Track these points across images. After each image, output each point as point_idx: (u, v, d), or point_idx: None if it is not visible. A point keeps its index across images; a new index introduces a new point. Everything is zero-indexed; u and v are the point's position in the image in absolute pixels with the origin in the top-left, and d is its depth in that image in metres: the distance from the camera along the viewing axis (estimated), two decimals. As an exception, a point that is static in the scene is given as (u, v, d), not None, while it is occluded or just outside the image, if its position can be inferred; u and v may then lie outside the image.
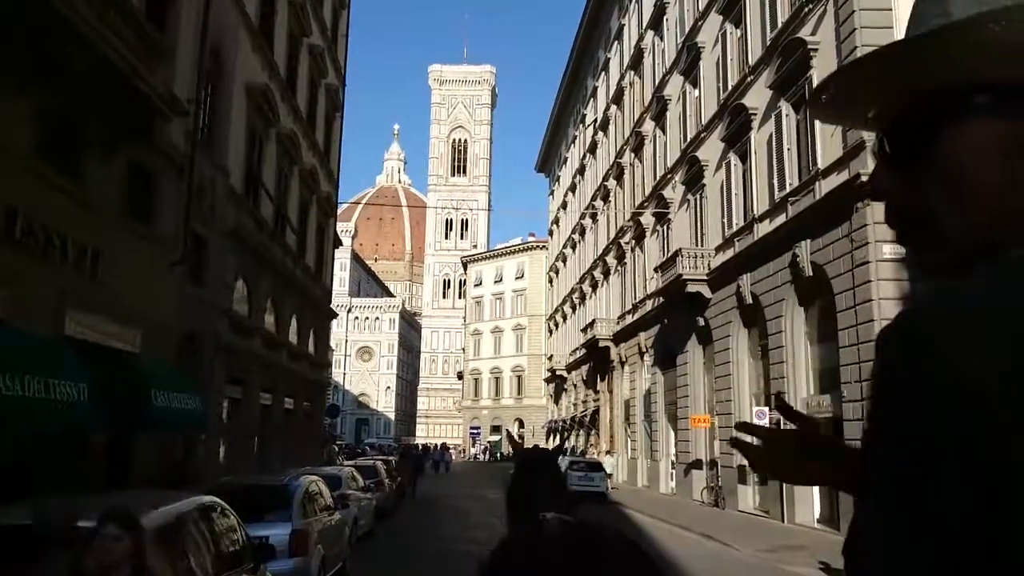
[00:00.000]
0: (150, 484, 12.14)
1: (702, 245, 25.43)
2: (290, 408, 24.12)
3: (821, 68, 17.93)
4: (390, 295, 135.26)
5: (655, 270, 28.68)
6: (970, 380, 0.68)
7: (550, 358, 58.97)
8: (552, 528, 1.57)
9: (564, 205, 56.59)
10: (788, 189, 19.22)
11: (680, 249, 25.06)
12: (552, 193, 64.14)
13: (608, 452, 38.99)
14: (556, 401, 59.12)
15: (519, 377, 76.50)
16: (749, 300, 21.63)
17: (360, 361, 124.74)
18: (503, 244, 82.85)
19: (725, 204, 23.62)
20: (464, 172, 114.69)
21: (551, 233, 64.43)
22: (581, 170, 49.68)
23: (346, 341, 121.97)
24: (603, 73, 43.91)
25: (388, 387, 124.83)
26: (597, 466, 28.25)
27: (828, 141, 17.45)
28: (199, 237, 15.71)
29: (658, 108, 31.34)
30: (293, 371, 23.75)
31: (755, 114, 21.55)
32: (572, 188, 53.07)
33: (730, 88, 23.53)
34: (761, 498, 21.55)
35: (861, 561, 0.77)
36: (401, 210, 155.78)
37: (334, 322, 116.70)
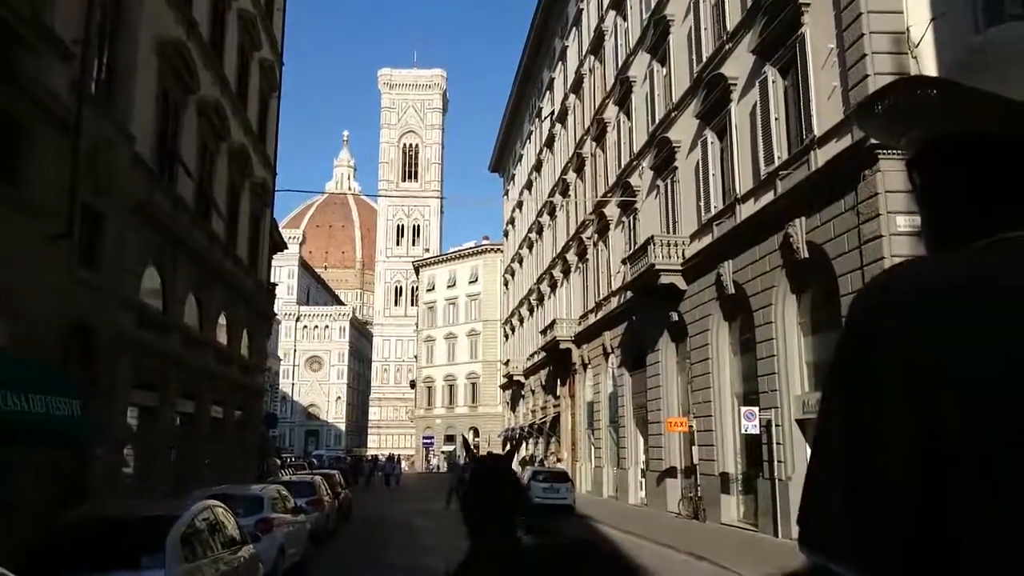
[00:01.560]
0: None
1: (675, 233, 23.37)
2: (218, 417, 21.36)
3: (815, 27, 15.99)
4: (340, 303, 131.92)
5: (623, 262, 26.56)
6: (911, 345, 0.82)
7: (506, 363, 56.63)
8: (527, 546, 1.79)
9: (520, 204, 54.42)
10: (777, 163, 17.23)
11: (652, 237, 22.94)
12: (507, 193, 61.94)
13: (558, 460, 36.80)
14: (513, 408, 56.77)
15: (474, 384, 73.97)
16: (731, 290, 19.59)
17: (309, 371, 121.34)
18: (456, 248, 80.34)
19: (701, 187, 21.60)
20: (416, 177, 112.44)
21: (506, 235, 62.21)
22: (538, 166, 47.58)
23: (295, 350, 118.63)
24: (560, 63, 41.89)
25: (339, 397, 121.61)
26: (562, 476, 25.93)
27: (824, 105, 15.49)
28: (93, 211, 13.04)
29: (622, 91, 29.32)
30: (222, 375, 21.01)
31: (735, 84, 19.59)
32: (528, 186, 50.92)
33: (705, 59, 21.55)
34: (746, 509, 19.48)
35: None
36: (352, 217, 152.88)
37: (283, 331, 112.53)
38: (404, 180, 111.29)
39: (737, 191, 19.22)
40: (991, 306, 0.82)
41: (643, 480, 27.21)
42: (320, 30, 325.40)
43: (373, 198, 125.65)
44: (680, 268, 22.45)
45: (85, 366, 12.89)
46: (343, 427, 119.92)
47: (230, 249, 21.77)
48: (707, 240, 21.16)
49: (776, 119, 17.50)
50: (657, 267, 22.50)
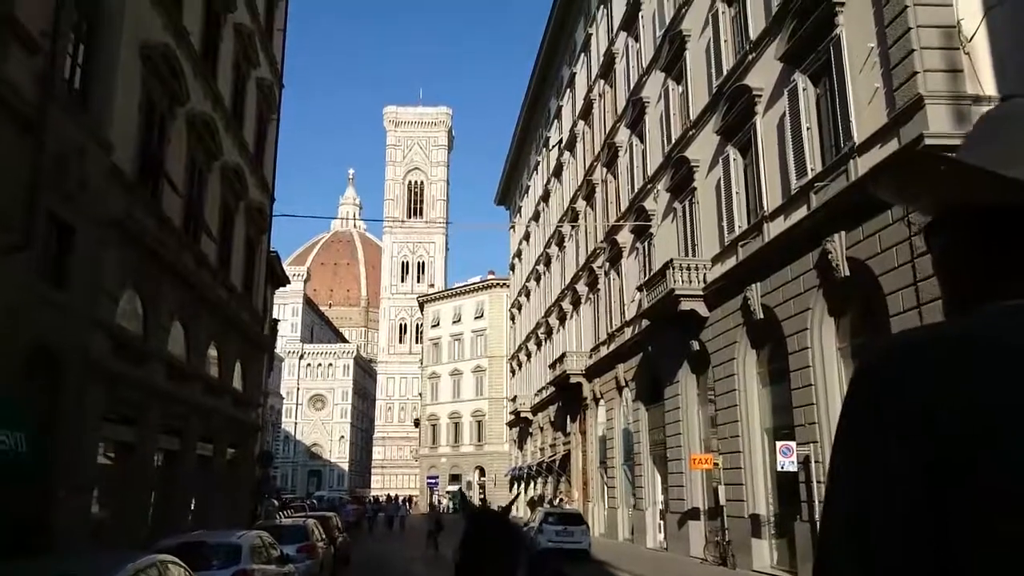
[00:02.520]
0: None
1: (695, 256, 21.99)
2: (207, 455, 19.84)
3: (852, 26, 14.78)
4: (345, 341, 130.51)
5: (638, 289, 25.15)
6: (920, 405, 0.83)
7: (513, 400, 54.89)
8: None
9: (527, 236, 53.23)
10: (810, 175, 15.89)
11: (671, 260, 21.55)
12: (513, 227, 60.77)
13: (569, 501, 35.02)
14: (520, 447, 54.94)
15: (479, 422, 72.07)
16: (760, 314, 18.16)
17: (312, 410, 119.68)
18: (461, 283, 79.02)
19: (723, 206, 20.27)
20: (421, 214, 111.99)
21: (512, 268, 60.92)
22: (545, 196, 46.46)
23: (298, 389, 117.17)
24: (568, 90, 40.95)
25: (342, 436, 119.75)
26: (577, 518, 24.22)
27: (865, 110, 14.20)
28: (60, 222, 11.73)
29: (635, 113, 28.19)
30: (211, 410, 19.53)
31: (760, 95, 18.36)
32: (535, 217, 49.76)
33: (726, 72, 20.38)
34: (780, 554, 17.82)
35: None
36: (356, 255, 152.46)
37: (285, 369, 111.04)
38: (409, 217, 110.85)
39: (765, 208, 17.88)
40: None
41: (662, 522, 25.48)
42: (325, 68, 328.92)
43: (378, 236, 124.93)
44: (701, 293, 21.04)
45: (48, 395, 11.48)
46: (346, 467, 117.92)
47: (222, 275, 20.44)
48: (731, 262, 19.78)
49: (808, 129, 16.21)
50: (677, 292, 21.09)
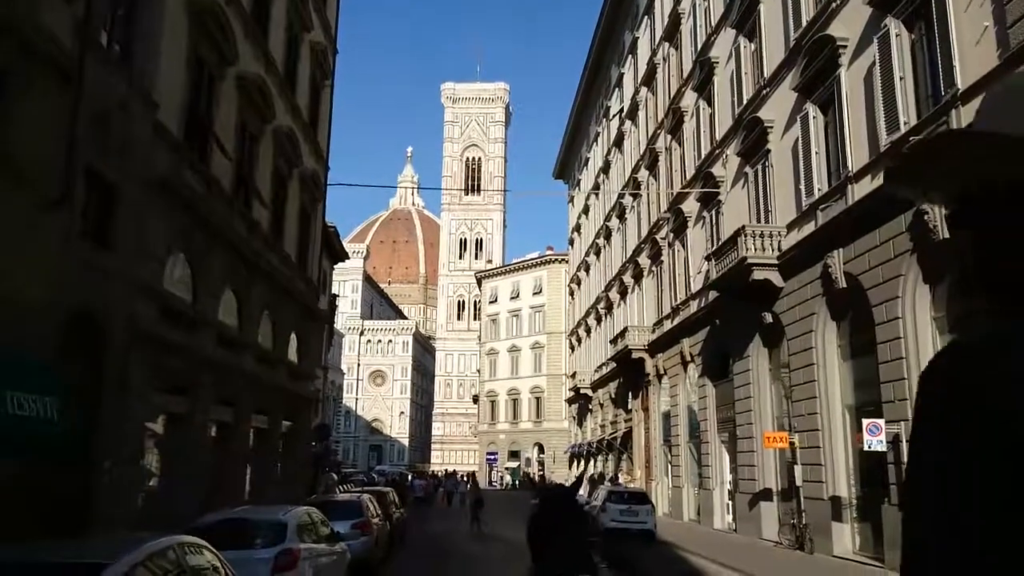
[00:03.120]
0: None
1: (768, 223, 20.68)
2: (262, 427, 19.46)
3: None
4: (404, 318, 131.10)
5: (706, 259, 23.91)
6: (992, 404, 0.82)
7: (572, 376, 53.97)
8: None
9: (586, 210, 52.05)
10: (904, 129, 14.49)
11: (743, 227, 20.25)
12: (572, 200, 59.59)
13: (631, 479, 34.04)
14: (580, 423, 54.09)
15: (538, 399, 71.42)
16: (842, 283, 16.84)
17: (373, 385, 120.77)
18: (519, 259, 78.14)
19: (801, 168, 18.88)
20: (478, 191, 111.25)
21: (571, 242, 59.81)
22: (605, 168, 45.18)
23: (358, 365, 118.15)
24: (630, 57, 39.49)
25: (402, 412, 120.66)
26: (642, 497, 23.23)
27: (969, 54, 12.77)
28: (103, 180, 11.18)
29: (702, 75, 26.76)
30: (266, 381, 19.09)
31: (844, 46, 16.90)
32: (595, 189, 48.49)
33: (804, 24, 18.92)
34: (863, 539, 16.61)
35: None
36: (415, 232, 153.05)
37: (346, 345, 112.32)
38: (467, 194, 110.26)
39: (849, 168, 16.49)
40: None
41: (730, 503, 24.37)
42: (383, 47, 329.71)
43: (436, 214, 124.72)
44: (776, 262, 19.74)
45: (90, 363, 10.99)
46: (406, 442, 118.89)
47: (275, 243, 19.92)
48: (809, 228, 18.44)
49: (901, 79, 14.78)
50: (749, 261, 19.81)
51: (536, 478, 62.76)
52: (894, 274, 14.76)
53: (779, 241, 19.83)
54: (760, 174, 21.69)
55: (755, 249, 19.92)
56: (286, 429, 21.91)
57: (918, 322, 14.33)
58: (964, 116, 12.78)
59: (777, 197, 20.54)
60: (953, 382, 0.87)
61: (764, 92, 21.42)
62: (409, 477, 55.28)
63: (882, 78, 15.30)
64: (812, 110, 18.45)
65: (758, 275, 19.92)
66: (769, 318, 20.55)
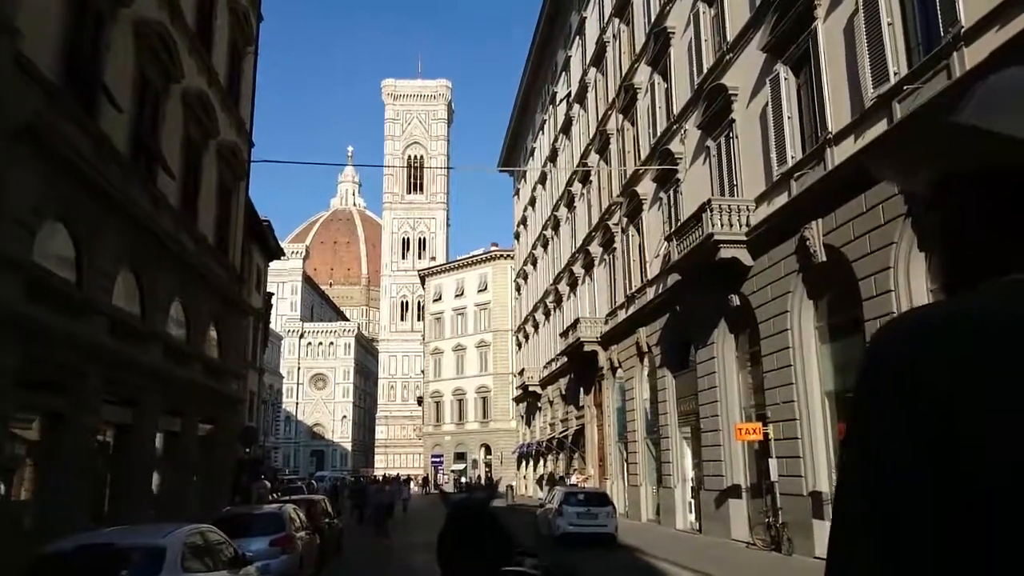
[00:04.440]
0: None
1: (735, 196, 19.11)
2: (174, 431, 17.08)
3: None
4: (346, 320, 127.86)
5: (667, 239, 22.24)
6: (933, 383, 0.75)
7: (520, 373, 52.11)
8: None
9: (532, 202, 50.29)
10: (893, 80, 12.95)
11: (709, 201, 18.60)
12: (517, 193, 57.81)
13: (585, 479, 32.33)
14: (528, 423, 52.27)
15: (484, 398, 69.39)
16: (821, 257, 15.28)
17: (314, 389, 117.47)
18: (464, 256, 76.06)
19: (772, 136, 17.30)
20: (421, 189, 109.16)
21: (517, 236, 58.02)
22: (552, 156, 43.48)
23: (298, 368, 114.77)
24: (578, 38, 37.83)
25: (344, 416, 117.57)
26: (602, 498, 21.34)
27: (972, -13, 11.25)
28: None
29: (657, 47, 25.16)
30: (177, 379, 16.72)
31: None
32: (542, 180, 46.80)
33: (774, -22, 17.36)
34: (848, 539, 15.02)
35: None
36: (357, 233, 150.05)
37: (285, 347, 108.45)
38: (409, 192, 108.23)
39: (829, 129, 14.93)
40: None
41: (693, 501, 22.78)
42: (323, 46, 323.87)
43: (378, 214, 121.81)
44: (744, 238, 18.15)
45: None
46: (349, 447, 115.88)
47: (188, 221, 17.55)
48: (781, 200, 16.87)
49: (889, 23, 13.24)
50: (716, 238, 18.18)
51: (484, 479, 60.79)
52: (885, 242, 13.21)
53: (748, 216, 18.26)
54: (724, 147, 20.12)
55: (722, 225, 18.30)
56: (205, 433, 19.55)
57: (913, 294, 12.77)
58: (968, 59, 11.25)
59: (744, 170, 18.98)
60: (911, 384, 0.78)
61: (727, 58, 19.85)
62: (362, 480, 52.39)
63: (867, 26, 13.75)
64: (783, 71, 16.89)
65: (725, 253, 18.30)
66: (736, 301, 18.98)
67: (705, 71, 21.26)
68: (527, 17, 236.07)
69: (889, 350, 0.82)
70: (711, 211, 18.42)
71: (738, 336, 19.93)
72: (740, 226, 18.25)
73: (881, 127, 13.30)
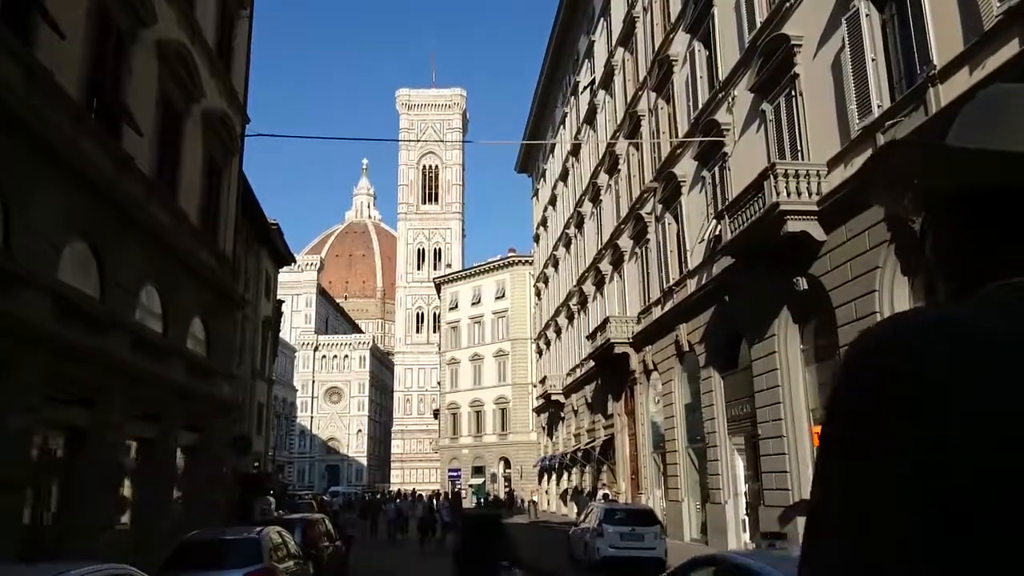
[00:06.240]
0: None
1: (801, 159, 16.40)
2: (148, 438, 14.52)
3: None
4: (361, 333, 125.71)
5: (716, 217, 19.52)
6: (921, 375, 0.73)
7: (542, 382, 49.32)
8: None
9: (553, 200, 47.69)
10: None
11: (774, 165, 15.86)
12: (536, 194, 55.27)
13: (616, 493, 29.52)
14: (550, 434, 49.45)
15: (503, 410, 66.57)
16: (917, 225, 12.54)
17: (328, 403, 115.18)
18: (480, 262, 73.49)
19: (852, 85, 14.57)
20: (436, 199, 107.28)
21: (536, 239, 55.42)
22: (575, 151, 40.90)
23: (313, 381, 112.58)
24: (602, 19, 35.35)
25: (359, 430, 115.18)
26: (648, 516, 18.50)
27: None
28: None
29: (697, 10, 22.56)
30: (151, 377, 14.16)
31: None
32: (563, 176, 44.24)
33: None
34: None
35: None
36: (372, 246, 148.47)
37: (300, 361, 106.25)
38: (424, 203, 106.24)
39: (934, 61, 12.24)
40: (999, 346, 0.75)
41: (747, 518, 19.96)
42: (338, 59, 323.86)
43: (393, 227, 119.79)
44: (815, 208, 15.43)
45: None
46: (364, 461, 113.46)
47: (163, 193, 15.04)
48: (863, 159, 14.16)
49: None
50: (783, 208, 15.45)
51: (504, 494, 57.96)
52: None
53: (818, 183, 15.53)
54: (784, 107, 17.44)
55: (788, 193, 15.58)
56: (192, 441, 16.99)
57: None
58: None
59: (810, 131, 16.29)
60: (890, 386, 0.76)
61: (787, 5, 17.21)
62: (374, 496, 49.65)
63: (985, -72, 11.09)
64: (864, 6, 14.21)
65: (793, 226, 15.56)
66: (803, 284, 16.22)
67: (759, 25, 18.62)
68: (541, 21, 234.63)
69: (870, 353, 0.80)
70: (775, 177, 15.68)
71: (803, 327, 17.17)
72: (810, 194, 15.52)
73: (1014, 47, 10.60)
